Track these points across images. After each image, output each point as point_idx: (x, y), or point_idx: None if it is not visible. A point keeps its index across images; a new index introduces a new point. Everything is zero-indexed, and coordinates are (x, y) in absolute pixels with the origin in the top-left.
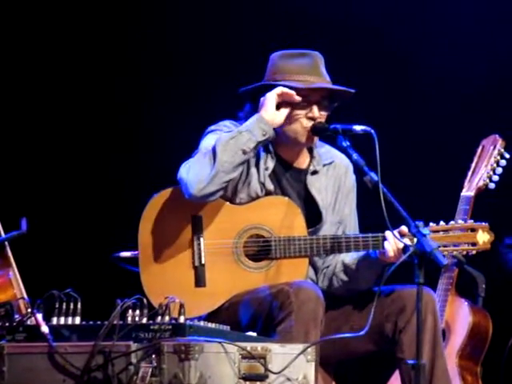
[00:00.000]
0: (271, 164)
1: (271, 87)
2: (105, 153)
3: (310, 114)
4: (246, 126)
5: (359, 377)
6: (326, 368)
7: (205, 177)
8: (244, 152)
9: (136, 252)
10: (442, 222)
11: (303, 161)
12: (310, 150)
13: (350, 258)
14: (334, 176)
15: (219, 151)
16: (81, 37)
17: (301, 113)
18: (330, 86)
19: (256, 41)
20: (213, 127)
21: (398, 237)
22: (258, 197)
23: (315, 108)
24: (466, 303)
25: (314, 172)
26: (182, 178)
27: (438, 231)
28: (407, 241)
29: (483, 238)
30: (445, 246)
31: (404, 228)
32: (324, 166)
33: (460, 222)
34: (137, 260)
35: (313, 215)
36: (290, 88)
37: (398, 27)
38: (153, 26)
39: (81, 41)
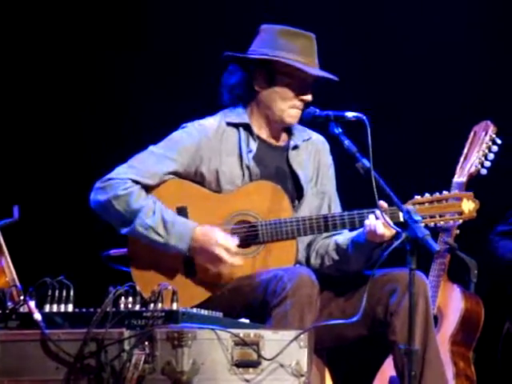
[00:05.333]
0: (254, 146)
1: (274, 62)
2: (101, 142)
3: (303, 97)
4: (176, 239)
5: (353, 362)
6: (319, 354)
7: (119, 210)
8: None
9: (125, 249)
10: (426, 194)
11: (283, 139)
12: (287, 128)
13: (342, 238)
14: (313, 150)
15: (141, 221)
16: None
17: (293, 93)
18: (330, 76)
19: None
20: (188, 125)
21: (389, 221)
22: (243, 182)
23: (309, 93)
24: (458, 289)
25: (295, 147)
26: (113, 178)
27: (423, 203)
28: (390, 221)
29: (468, 206)
30: (431, 217)
31: (383, 203)
32: (303, 141)
33: (444, 192)
34: (126, 257)
35: (297, 191)
36: (297, 69)
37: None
38: None
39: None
